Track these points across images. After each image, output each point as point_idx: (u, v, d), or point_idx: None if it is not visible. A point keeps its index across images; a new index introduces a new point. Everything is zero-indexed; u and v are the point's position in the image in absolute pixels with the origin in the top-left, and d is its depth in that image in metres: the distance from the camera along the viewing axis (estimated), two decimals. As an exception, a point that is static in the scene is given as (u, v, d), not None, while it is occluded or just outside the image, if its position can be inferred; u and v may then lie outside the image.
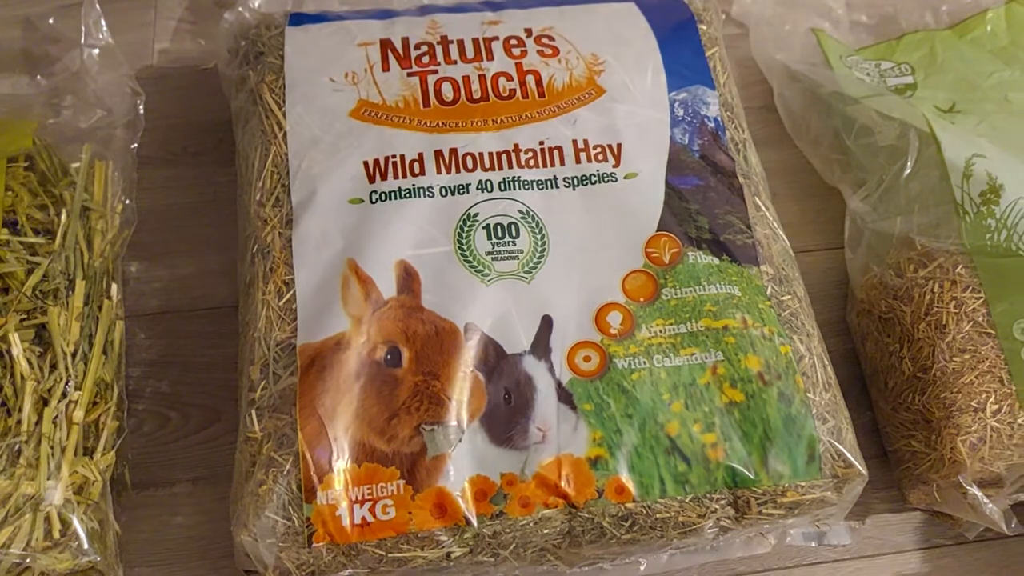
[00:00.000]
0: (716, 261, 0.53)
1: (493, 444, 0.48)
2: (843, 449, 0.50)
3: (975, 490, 0.52)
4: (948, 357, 0.54)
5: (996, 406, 0.52)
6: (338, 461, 0.47)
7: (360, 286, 0.50)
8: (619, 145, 0.56)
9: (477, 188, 0.54)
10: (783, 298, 0.54)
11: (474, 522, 0.47)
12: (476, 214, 0.53)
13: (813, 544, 0.52)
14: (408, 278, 0.51)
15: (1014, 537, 0.57)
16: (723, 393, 0.50)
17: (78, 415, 0.51)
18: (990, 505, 0.52)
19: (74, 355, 0.53)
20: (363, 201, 0.53)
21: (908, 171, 0.61)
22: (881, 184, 0.63)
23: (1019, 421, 0.51)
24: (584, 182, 0.55)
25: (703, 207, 0.55)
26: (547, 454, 0.48)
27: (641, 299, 0.52)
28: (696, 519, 0.49)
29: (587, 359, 0.50)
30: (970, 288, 0.55)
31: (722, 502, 0.49)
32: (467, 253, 0.52)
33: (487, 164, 0.54)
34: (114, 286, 0.57)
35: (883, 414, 0.60)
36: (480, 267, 0.52)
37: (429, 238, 0.52)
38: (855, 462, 0.50)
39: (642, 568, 0.51)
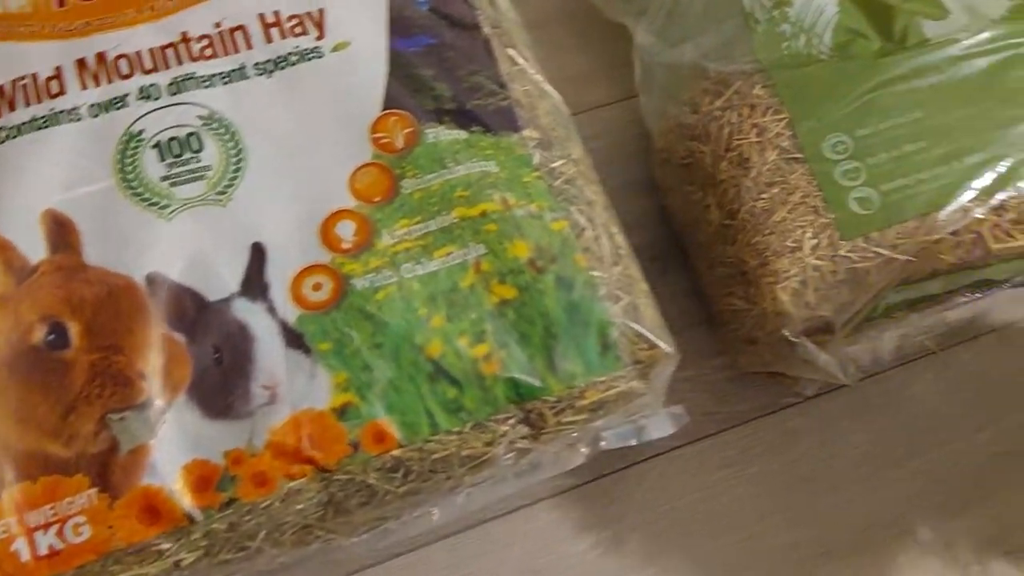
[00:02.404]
0: (463, 135, 0.43)
1: (208, 418, 0.37)
2: (642, 329, 0.41)
3: (805, 342, 0.45)
4: (755, 195, 0.45)
5: (814, 241, 0.44)
6: (2, 482, 0.36)
7: (-6, 254, 0.39)
8: (321, 11, 0.44)
9: (138, 98, 0.41)
10: (554, 165, 0.44)
11: (199, 518, 0.37)
12: (141, 132, 0.40)
13: (633, 442, 0.45)
14: (61, 231, 0.39)
15: (865, 378, 0.52)
16: (491, 293, 0.40)
17: None
18: (824, 356, 0.45)
19: None
20: (-17, 142, 0.40)
21: (686, -15, 0.52)
22: (663, 7, 0.53)
23: (842, 252, 0.43)
24: (281, 65, 0.43)
25: (441, 71, 0.44)
26: (279, 415, 0.38)
27: (376, 199, 0.41)
28: (484, 448, 0.40)
29: (317, 287, 0.40)
30: (771, 110, 0.46)
31: (511, 422, 0.40)
32: (135, 184, 0.40)
33: (148, 64, 0.42)
34: None
35: (700, 273, 0.52)
36: (155, 199, 0.40)
37: (82, 174, 0.39)
38: (658, 341, 0.41)
39: (436, 517, 0.43)
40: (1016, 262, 0.45)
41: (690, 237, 0.51)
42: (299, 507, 0.38)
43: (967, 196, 0.43)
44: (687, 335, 0.52)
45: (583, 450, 0.43)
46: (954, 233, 0.43)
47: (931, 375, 0.52)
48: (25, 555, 0.35)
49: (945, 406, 0.52)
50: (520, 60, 0.47)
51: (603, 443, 0.43)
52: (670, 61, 0.51)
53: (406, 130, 0.42)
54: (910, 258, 0.43)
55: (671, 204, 0.52)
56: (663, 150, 0.51)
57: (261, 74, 0.42)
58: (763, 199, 0.45)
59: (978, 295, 0.48)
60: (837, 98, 0.44)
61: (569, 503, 0.49)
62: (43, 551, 0.35)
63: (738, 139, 0.46)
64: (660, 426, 0.44)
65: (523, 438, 0.40)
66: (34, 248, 0.38)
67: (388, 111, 0.42)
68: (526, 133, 0.44)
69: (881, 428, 0.51)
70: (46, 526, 0.35)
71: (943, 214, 0.43)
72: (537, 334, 0.40)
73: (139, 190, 0.39)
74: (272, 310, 0.39)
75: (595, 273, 0.41)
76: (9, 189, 0.38)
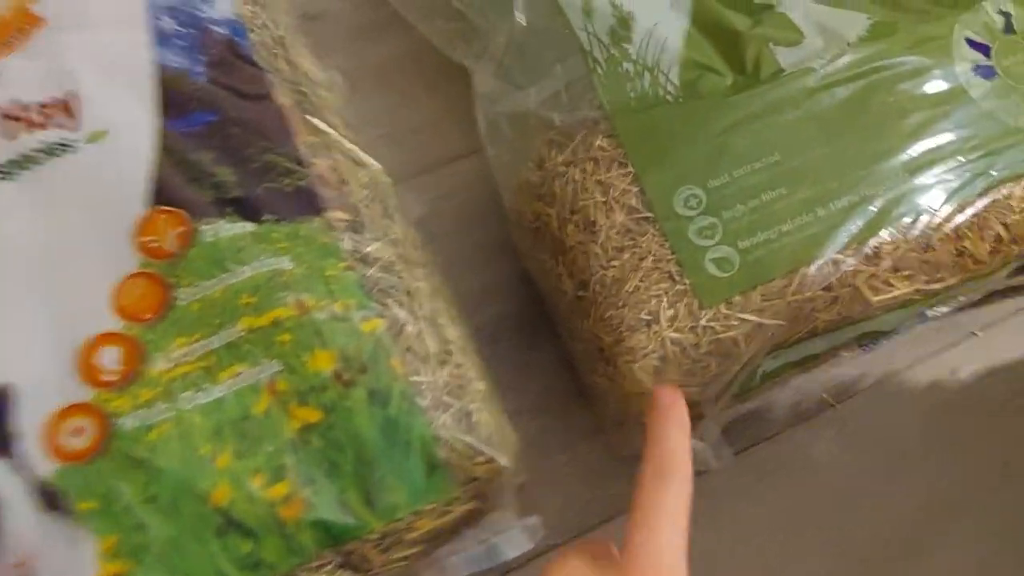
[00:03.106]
0: (250, 227, 0.36)
1: (-56, 613, 0.32)
2: (475, 441, 0.35)
3: (670, 428, 0.40)
4: (605, 263, 0.40)
5: (671, 311, 0.38)
6: None
7: None
8: (74, 95, 0.38)
9: None
10: (368, 249, 0.38)
11: None
12: None
13: (484, 566, 0.40)
14: None
15: (759, 443, 0.47)
16: (291, 417, 0.34)
17: None
18: (696, 442, 0.40)
19: None
20: None
21: (520, 21, 0.46)
22: (500, 47, 0.48)
23: (702, 323, 0.38)
24: (27, 165, 0.36)
25: (223, 152, 0.38)
26: (33, 599, 0.32)
27: (146, 316, 0.35)
28: (297, 602, 0.35)
29: (77, 432, 0.33)
30: (616, 163, 0.41)
31: (328, 568, 0.34)
32: None
33: None
34: None
35: (567, 345, 0.46)
36: None
37: None
38: (495, 454, 0.36)
39: None
40: (901, 311, 0.41)
41: (551, 307, 0.46)
42: None
43: (837, 246, 0.38)
44: (563, 412, 0.47)
45: (427, 583, 0.38)
46: (827, 288, 0.38)
47: (832, 432, 0.48)
48: None
49: (850, 467, 0.47)
50: (326, 128, 0.41)
51: (451, 573, 0.38)
52: (513, 110, 0.46)
53: (178, 229, 0.36)
54: (780, 322, 0.38)
55: (530, 270, 0.47)
56: (513, 211, 0.46)
57: (2, 178, 0.36)
58: (613, 267, 0.40)
59: (868, 346, 0.44)
60: (686, 145, 0.39)
61: (437, 624, 0.43)
62: None
63: (582, 199, 0.41)
64: (515, 543, 0.39)
65: (348, 583, 0.35)
66: None
67: (157, 208, 0.36)
68: (331, 215, 0.38)
69: (779, 500, 0.46)
70: None
71: (812, 269, 0.38)
72: (348, 463, 0.34)
73: None
74: (21, 467, 0.32)
75: (417, 378, 0.36)
76: None
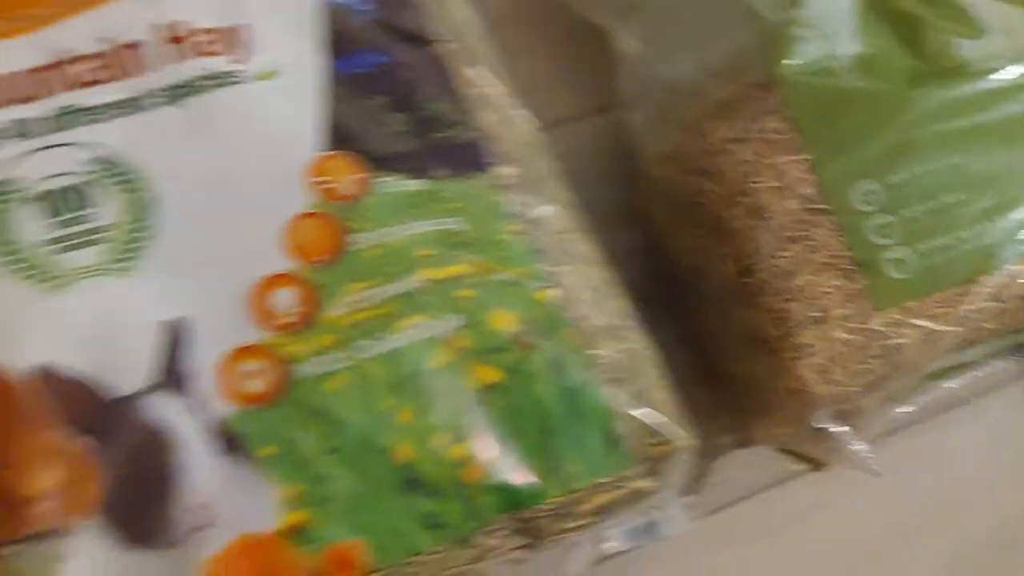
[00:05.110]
0: (424, 185, 0.46)
1: (128, 547, 0.39)
2: (652, 420, 0.47)
3: (834, 428, 0.51)
4: (775, 252, 0.51)
5: (842, 311, 0.50)
6: None
7: None
8: (246, 28, 0.46)
9: (9, 136, 0.43)
10: (536, 213, 0.49)
11: None
12: (12, 181, 0.42)
13: (642, 544, 0.50)
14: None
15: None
16: (472, 376, 0.44)
17: None
18: (856, 444, 0.52)
19: None
20: None
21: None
22: (653, 5, 0.59)
23: (873, 325, 0.49)
24: (192, 91, 0.45)
25: (396, 98, 0.47)
26: (216, 543, 0.40)
27: (321, 257, 0.44)
28: (468, 564, 0.44)
29: (254, 374, 0.42)
30: (791, 148, 0.52)
31: (502, 534, 0.44)
32: (7, 250, 0.41)
33: (18, 93, 0.43)
34: None
35: (709, 327, 0.57)
36: (36, 269, 0.41)
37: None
38: (673, 434, 0.47)
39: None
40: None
41: (692, 285, 0.57)
42: (238, 659, 0.41)
43: (1015, 258, 0.50)
44: (685, 395, 0.58)
45: (585, 555, 0.48)
46: (998, 300, 0.51)
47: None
48: None
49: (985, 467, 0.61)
50: (482, 81, 0.51)
51: (606, 545, 0.49)
52: (666, 74, 0.57)
53: (356, 175, 0.45)
54: (954, 329, 0.50)
55: (669, 244, 0.58)
56: (661, 180, 0.56)
57: (167, 103, 0.44)
58: (784, 257, 0.51)
59: (1020, 355, 0.57)
60: (866, 136, 0.51)
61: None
62: None
63: (753, 182, 0.52)
64: (674, 522, 0.49)
65: (519, 548, 0.45)
66: None
67: (333, 152, 0.45)
68: (500, 170, 0.48)
69: (911, 494, 0.60)
70: None
71: (988, 280, 0.50)
72: (531, 428, 0.44)
73: (13, 258, 0.41)
74: (198, 407, 0.41)
75: (594, 352, 0.47)
76: None
